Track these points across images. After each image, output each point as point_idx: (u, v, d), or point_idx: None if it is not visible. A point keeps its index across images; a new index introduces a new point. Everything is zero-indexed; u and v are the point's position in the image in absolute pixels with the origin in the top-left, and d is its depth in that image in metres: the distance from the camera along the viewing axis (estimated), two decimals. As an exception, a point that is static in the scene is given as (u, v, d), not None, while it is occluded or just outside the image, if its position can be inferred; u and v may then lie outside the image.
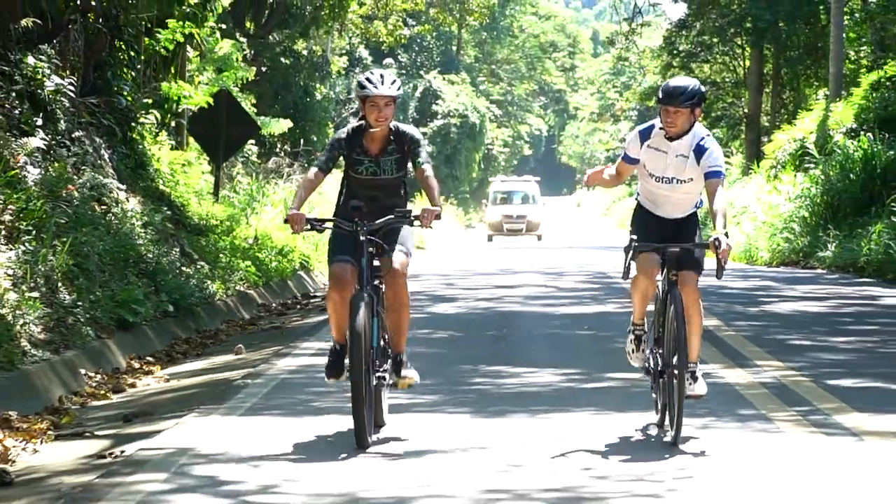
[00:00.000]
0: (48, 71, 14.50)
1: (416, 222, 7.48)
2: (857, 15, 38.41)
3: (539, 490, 6.29)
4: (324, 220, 7.55)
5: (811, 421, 8.03)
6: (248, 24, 36.63)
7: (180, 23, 19.42)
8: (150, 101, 19.73)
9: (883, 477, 6.55)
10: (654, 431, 7.71)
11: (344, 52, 54.36)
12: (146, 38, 19.43)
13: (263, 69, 37.07)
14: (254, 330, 14.67)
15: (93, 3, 16.04)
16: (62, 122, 14.64)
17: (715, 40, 44.96)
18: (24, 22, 14.36)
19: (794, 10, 42.19)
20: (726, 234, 7.19)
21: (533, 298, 17.18)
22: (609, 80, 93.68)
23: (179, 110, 21.38)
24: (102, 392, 9.94)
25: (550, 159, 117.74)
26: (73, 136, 14.73)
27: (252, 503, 6.14)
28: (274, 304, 17.59)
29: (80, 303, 11.20)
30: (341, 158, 7.77)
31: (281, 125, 32.51)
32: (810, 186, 27.67)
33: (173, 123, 21.77)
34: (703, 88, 7.38)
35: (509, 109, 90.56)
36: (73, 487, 6.57)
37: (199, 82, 23.75)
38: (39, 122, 13.95)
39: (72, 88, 14.82)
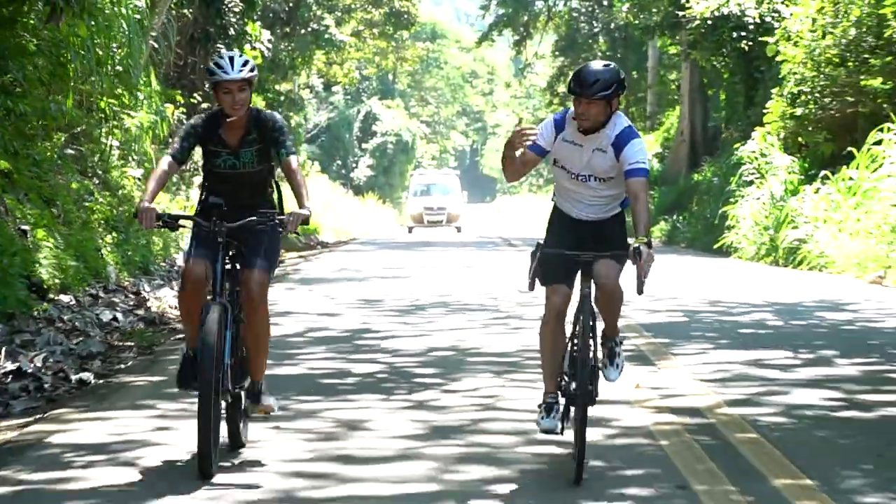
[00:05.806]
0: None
1: (280, 228, 6.49)
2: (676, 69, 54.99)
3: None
4: (178, 217, 6.61)
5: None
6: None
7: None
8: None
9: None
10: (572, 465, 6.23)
11: (305, 85, 68.17)
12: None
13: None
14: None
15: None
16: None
17: (584, 85, 60.80)
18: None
19: (640, 63, 59.02)
20: (648, 244, 5.96)
21: (442, 241, 35.01)
22: (521, 102, 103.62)
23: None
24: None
25: (474, 171, 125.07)
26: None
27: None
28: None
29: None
30: (198, 149, 6.72)
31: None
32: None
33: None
34: (622, 73, 6.18)
35: (437, 128, 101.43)
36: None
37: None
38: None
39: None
